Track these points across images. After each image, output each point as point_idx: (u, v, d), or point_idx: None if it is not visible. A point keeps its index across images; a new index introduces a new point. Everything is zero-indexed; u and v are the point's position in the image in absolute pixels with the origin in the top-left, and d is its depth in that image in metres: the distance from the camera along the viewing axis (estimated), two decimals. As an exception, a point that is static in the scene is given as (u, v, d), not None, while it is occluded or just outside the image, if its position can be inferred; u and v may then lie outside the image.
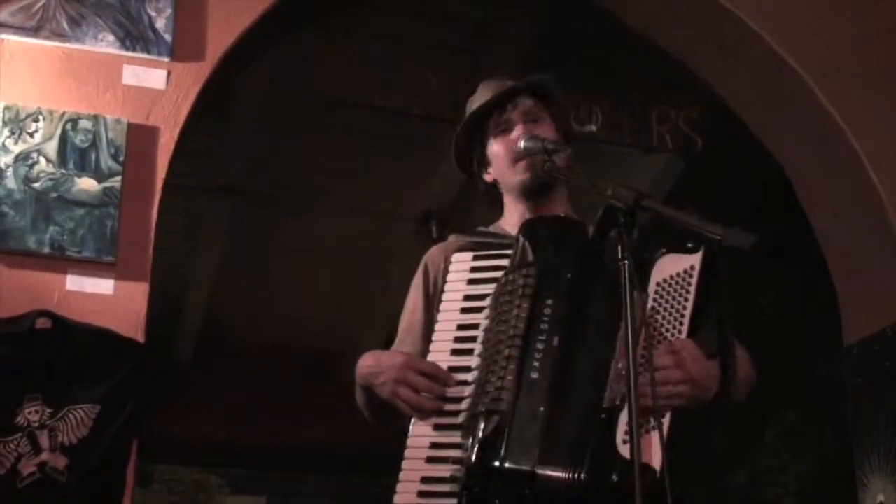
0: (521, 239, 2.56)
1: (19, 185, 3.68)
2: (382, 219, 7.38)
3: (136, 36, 3.90)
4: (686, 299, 2.44)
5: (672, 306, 2.44)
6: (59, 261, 3.67)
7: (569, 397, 2.38)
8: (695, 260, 2.47)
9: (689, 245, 2.48)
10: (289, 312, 8.43)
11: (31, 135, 3.73)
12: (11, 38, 3.82)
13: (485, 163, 2.88)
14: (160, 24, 3.93)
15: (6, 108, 3.74)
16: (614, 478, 2.23)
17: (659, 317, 2.43)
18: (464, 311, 2.56)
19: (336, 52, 5.84)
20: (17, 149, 3.71)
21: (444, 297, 2.62)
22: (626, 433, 2.25)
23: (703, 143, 5.48)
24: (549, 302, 2.46)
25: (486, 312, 2.51)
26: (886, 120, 4.51)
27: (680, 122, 5.48)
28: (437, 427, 2.44)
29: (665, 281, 2.46)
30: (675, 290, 2.45)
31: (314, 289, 8.09)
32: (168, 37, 3.93)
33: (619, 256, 2.30)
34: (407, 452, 2.45)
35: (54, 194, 3.70)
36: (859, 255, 4.61)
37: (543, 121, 2.84)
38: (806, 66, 4.50)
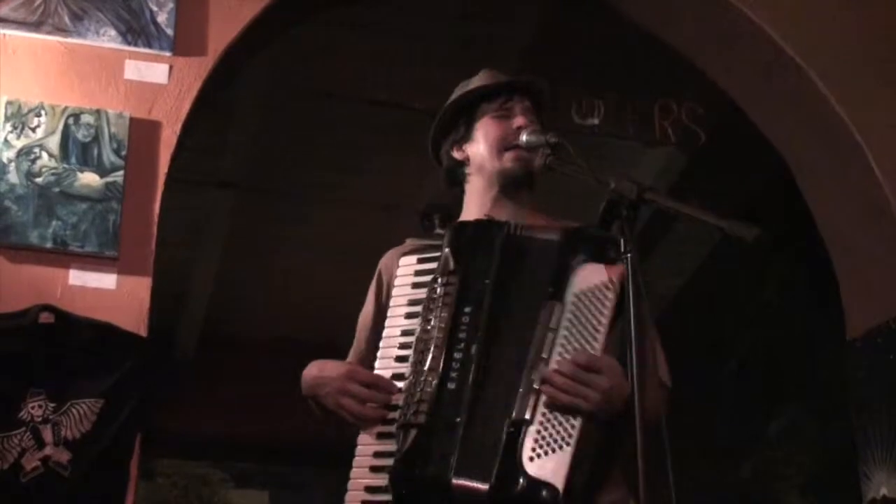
0: (445, 246, 2.58)
1: (22, 180, 3.68)
2: (385, 213, 7.37)
3: (137, 31, 3.90)
4: (602, 314, 2.42)
5: (588, 320, 2.42)
6: (62, 255, 3.67)
7: (482, 407, 2.38)
8: (614, 272, 2.44)
9: (611, 254, 2.45)
10: (292, 306, 8.43)
11: (34, 130, 3.73)
12: (13, 33, 3.82)
13: (464, 139, 2.83)
14: (162, 18, 3.93)
15: (8, 102, 3.74)
16: (516, 491, 2.25)
17: (574, 330, 2.41)
18: (408, 315, 2.57)
19: (338, 46, 5.84)
20: (19, 144, 3.71)
21: (391, 301, 2.64)
22: (532, 449, 2.27)
23: (705, 137, 5.48)
24: (468, 310, 2.48)
25: (417, 323, 2.52)
26: (890, 113, 4.50)
27: (683, 115, 5.48)
28: (379, 436, 2.47)
29: (583, 293, 2.45)
30: (593, 304, 2.43)
31: (317, 283, 8.09)
32: (170, 31, 3.93)
33: (623, 249, 2.30)
34: (354, 462, 2.49)
35: (57, 189, 3.70)
36: (862, 248, 4.61)
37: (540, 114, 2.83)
38: (809, 59, 4.50)
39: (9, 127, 3.72)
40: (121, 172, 3.76)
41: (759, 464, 7.34)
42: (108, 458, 3.55)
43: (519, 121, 2.75)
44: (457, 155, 2.86)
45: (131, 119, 3.82)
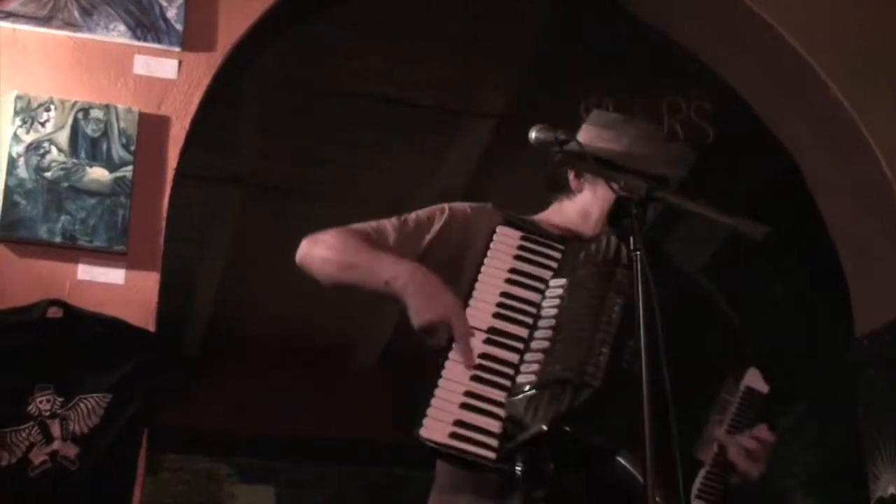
0: (610, 236, 2.59)
1: (31, 175, 3.69)
2: (392, 210, 7.36)
3: (147, 26, 3.91)
4: (756, 416, 2.59)
5: (746, 413, 2.59)
6: (71, 250, 3.68)
7: (658, 404, 2.36)
8: (765, 389, 2.62)
9: (771, 375, 2.63)
10: (298, 303, 8.42)
11: (43, 124, 3.74)
12: (23, 28, 3.83)
13: (582, 175, 2.86)
14: (171, 13, 3.93)
15: (18, 97, 3.74)
16: None
17: (739, 414, 2.58)
18: (510, 282, 2.55)
19: (347, 42, 5.84)
20: (28, 138, 3.72)
21: (488, 262, 2.59)
22: (700, 489, 2.43)
23: (714, 135, 5.47)
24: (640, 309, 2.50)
25: (554, 292, 2.53)
26: (898, 110, 4.51)
27: (692, 112, 5.47)
28: (474, 378, 2.44)
29: (750, 389, 2.61)
30: (751, 403, 2.60)
31: (324, 279, 8.08)
32: (179, 27, 3.93)
33: (632, 247, 2.30)
34: (439, 392, 2.43)
35: (66, 184, 3.71)
36: (870, 245, 4.61)
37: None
38: (818, 56, 4.49)
39: (18, 121, 3.72)
40: (130, 167, 3.77)
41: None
42: (116, 453, 3.55)
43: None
44: (572, 182, 2.87)
45: (140, 114, 3.83)
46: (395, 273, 2.63)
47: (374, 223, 2.88)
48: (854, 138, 4.47)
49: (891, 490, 4.37)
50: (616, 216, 2.42)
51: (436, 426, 2.39)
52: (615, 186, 2.44)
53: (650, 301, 2.26)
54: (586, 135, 2.88)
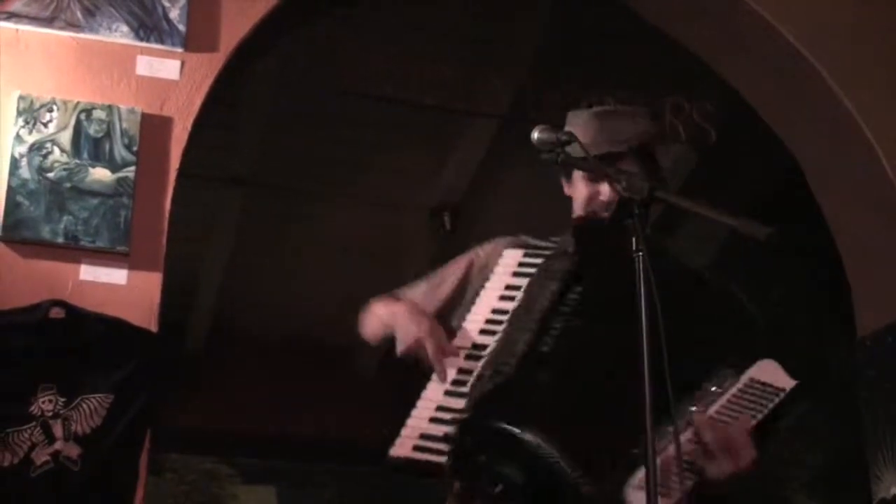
0: (566, 236, 2.72)
1: (33, 175, 3.69)
2: (395, 210, 7.38)
3: (149, 26, 3.91)
4: (762, 411, 2.53)
5: (748, 406, 2.51)
6: (73, 251, 3.68)
7: (581, 382, 2.46)
8: (788, 384, 2.57)
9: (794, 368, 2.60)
10: (300, 303, 8.44)
11: (46, 125, 3.74)
12: (26, 29, 3.83)
13: (567, 178, 2.92)
14: (174, 14, 3.93)
15: (21, 97, 3.74)
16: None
17: (735, 407, 2.50)
18: (501, 298, 2.67)
19: (349, 43, 5.85)
20: (31, 139, 3.72)
21: (488, 283, 2.74)
22: (642, 479, 2.30)
23: (716, 135, 5.47)
24: (578, 289, 2.58)
25: (518, 299, 2.64)
26: (901, 112, 4.50)
27: (694, 113, 5.48)
28: (446, 392, 2.56)
29: (757, 381, 2.53)
30: (759, 396, 2.53)
31: (326, 280, 8.09)
32: (182, 27, 3.93)
33: (634, 248, 2.31)
34: (414, 411, 2.56)
35: (68, 184, 3.71)
36: (873, 247, 4.60)
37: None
38: (821, 58, 4.49)
39: (21, 122, 3.72)
40: (132, 168, 3.77)
41: (766, 463, 7.33)
42: (118, 453, 3.55)
43: (605, 193, 2.79)
44: (565, 188, 2.94)
45: (143, 115, 3.83)
46: (390, 317, 2.84)
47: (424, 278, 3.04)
48: (856, 139, 4.47)
49: (893, 491, 4.36)
50: (618, 215, 2.42)
51: (403, 443, 2.50)
52: (618, 187, 2.44)
53: (652, 301, 2.26)
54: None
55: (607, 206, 2.77)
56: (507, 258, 2.76)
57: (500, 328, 2.59)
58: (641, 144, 2.81)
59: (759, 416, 2.52)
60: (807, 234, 5.11)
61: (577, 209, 2.86)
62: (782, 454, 7.20)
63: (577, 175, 2.86)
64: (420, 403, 2.57)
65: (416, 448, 2.48)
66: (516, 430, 2.37)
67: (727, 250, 6.94)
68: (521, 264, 2.73)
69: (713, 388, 2.50)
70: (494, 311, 2.64)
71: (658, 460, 2.28)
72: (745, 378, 2.52)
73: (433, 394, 2.57)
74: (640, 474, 2.32)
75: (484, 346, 2.58)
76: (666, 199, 2.40)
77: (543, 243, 2.80)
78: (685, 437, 2.40)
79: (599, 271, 2.60)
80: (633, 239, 2.33)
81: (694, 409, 2.44)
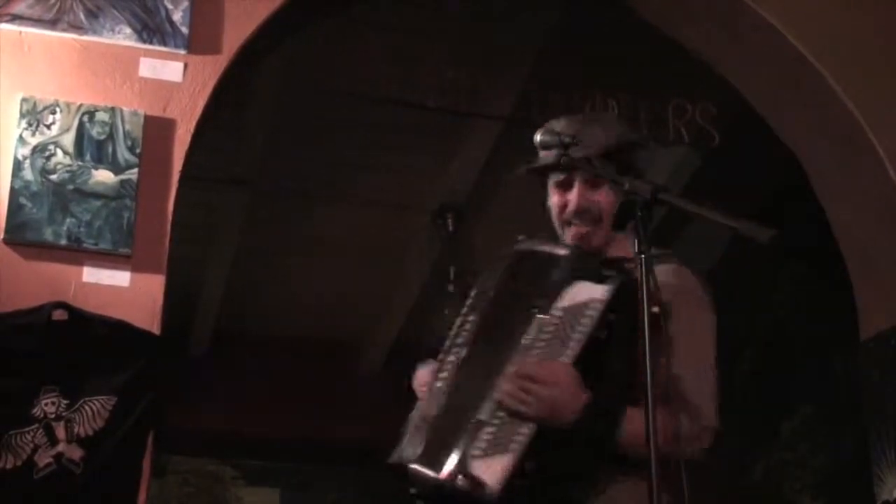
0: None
1: (36, 177, 3.69)
2: (397, 212, 7.37)
3: (153, 28, 3.91)
4: (579, 330, 2.50)
5: (564, 334, 2.50)
6: (76, 253, 3.68)
7: (453, 406, 2.58)
8: (602, 293, 2.51)
9: (605, 274, 2.56)
10: (303, 305, 8.44)
11: (49, 127, 3.74)
12: (29, 31, 3.83)
13: (544, 192, 2.93)
14: (177, 16, 3.94)
15: (24, 99, 3.75)
16: (458, 485, 2.41)
17: (552, 343, 2.51)
18: None
19: (352, 44, 5.84)
20: (34, 141, 3.72)
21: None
22: (481, 448, 2.42)
23: (719, 138, 5.46)
24: (471, 318, 2.70)
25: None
26: (905, 115, 4.50)
27: (696, 115, 5.47)
28: None
29: (568, 308, 2.53)
30: (576, 318, 2.50)
31: (329, 281, 8.09)
32: (185, 29, 3.93)
33: (637, 250, 2.31)
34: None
35: (71, 186, 3.71)
36: (876, 249, 4.60)
37: (600, 185, 2.81)
38: (824, 60, 4.49)
39: (24, 124, 3.72)
40: (135, 170, 3.77)
41: (770, 465, 7.32)
42: (121, 456, 3.55)
43: (573, 201, 2.79)
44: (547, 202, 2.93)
45: (146, 117, 3.83)
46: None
47: None
48: (860, 142, 4.47)
49: (895, 493, 4.37)
50: (621, 218, 2.42)
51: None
52: (621, 190, 2.44)
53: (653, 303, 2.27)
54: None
55: (575, 215, 2.77)
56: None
57: None
58: (617, 148, 2.77)
59: (579, 336, 2.49)
60: (810, 238, 5.10)
61: (557, 224, 2.86)
62: (786, 457, 7.20)
63: (550, 184, 2.86)
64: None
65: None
66: (404, 463, 2.60)
67: (730, 253, 6.95)
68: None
69: (523, 339, 2.55)
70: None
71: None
72: (553, 311, 2.54)
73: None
74: (478, 443, 2.42)
75: None
76: (669, 202, 2.40)
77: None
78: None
79: (486, 297, 2.73)
80: (636, 241, 2.34)
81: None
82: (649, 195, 2.35)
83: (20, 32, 3.82)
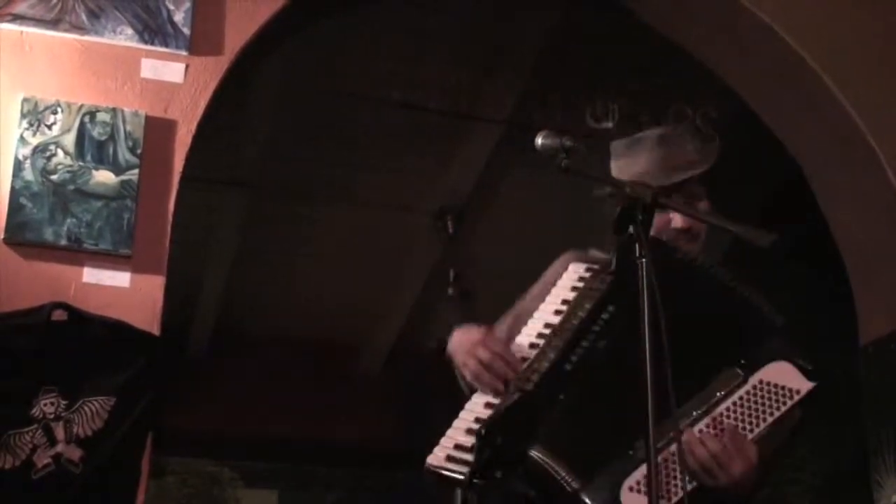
0: (614, 252, 2.67)
1: (37, 178, 3.69)
2: (398, 213, 7.38)
3: (154, 29, 3.91)
4: (772, 413, 2.51)
5: (757, 409, 2.50)
6: (76, 253, 3.68)
7: (594, 399, 2.48)
8: (804, 386, 2.55)
9: (810, 368, 2.57)
10: (303, 306, 8.44)
11: (50, 127, 3.74)
12: (31, 31, 3.83)
13: None
14: (178, 17, 3.94)
15: (25, 100, 3.75)
16: None
17: (743, 409, 2.50)
18: (556, 312, 2.67)
19: (353, 46, 5.85)
20: (35, 141, 3.72)
21: (548, 297, 2.73)
22: (637, 481, 2.33)
23: (719, 141, 5.46)
24: (611, 309, 2.58)
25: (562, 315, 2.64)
26: (905, 119, 4.50)
27: (697, 119, 5.47)
28: (486, 405, 2.57)
29: (768, 384, 2.52)
30: (770, 398, 2.51)
31: (328, 282, 8.09)
32: (186, 30, 3.93)
33: (638, 254, 2.30)
34: (455, 422, 2.57)
35: (72, 187, 3.71)
36: (876, 254, 4.60)
37: (698, 199, 2.81)
38: (823, 62, 4.49)
39: (25, 124, 3.72)
40: (136, 171, 3.77)
41: (774, 473, 7.32)
42: (120, 456, 3.55)
43: (677, 222, 2.78)
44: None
45: (147, 117, 3.83)
46: (451, 347, 2.78)
47: None
48: (860, 145, 4.47)
49: (894, 498, 4.36)
50: (621, 221, 2.41)
51: (438, 453, 2.51)
52: (622, 193, 2.43)
53: (655, 306, 2.26)
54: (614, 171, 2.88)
55: (684, 235, 2.74)
56: (570, 272, 2.74)
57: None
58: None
59: (769, 419, 2.50)
60: (810, 241, 5.10)
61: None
62: (787, 459, 7.20)
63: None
64: (462, 414, 2.58)
65: (449, 458, 2.49)
66: (526, 449, 2.42)
67: (730, 257, 6.94)
68: (580, 279, 2.71)
69: (718, 393, 2.49)
70: (546, 326, 2.64)
71: (658, 460, 2.28)
72: (753, 380, 2.52)
73: (475, 405, 2.58)
74: (635, 475, 2.33)
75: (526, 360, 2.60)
76: (669, 206, 2.40)
77: (606, 257, 2.77)
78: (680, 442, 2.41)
79: (631, 292, 2.50)
80: (637, 245, 2.33)
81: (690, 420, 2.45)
82: (650, 199, 2.35)
83: (21, 32, 3.82)
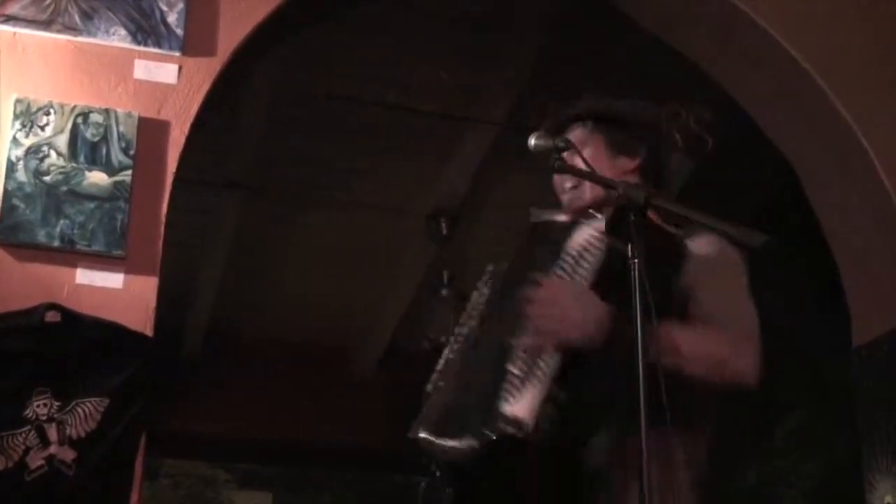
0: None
1: (30, 179, 3.68)
2: (391, 215, 7.37)
3: (147, 30, 3.91)
4: (589, 260, 2.48)
5: (576, 270, 2.49)
6: (69, 254, 3.67)
7: (468, 375, 2.56)
8: (599, 224, 2.51)
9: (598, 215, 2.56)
10: (297, 308, 8.44)
11: (42, 128, 3.73)
12: (24, 32, 3.82)
13: None
14: (172, 18, 3.93)
15: (18, 101, 3.74)
16: (494, 436, 2.34)
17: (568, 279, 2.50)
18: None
19: (348, 48, 5.85)
20: (28, 142, 3.71)
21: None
22: (508, 392, 2.36)
23: (713, 143, 5.47)
24: (485, 291, 2.72)
25: None
26: (898, 121, 4.50)
27: (691, 121, 5.47)
28: None
29: (572, 249, 2.51)
30: (583, 257, 2.50)
31: (322, 285, 8.09)
32: (180, 31, 3.93)
33: (631, 255, 2.30)
34: None
35: (65, 188, 3.70)
36: (869, 257, 4.60)
37: (589, 146, 2.80)
38: (818, 66, 4.50)
39: (17, 125, 3.72)
40: (129, 172, 3.76)
41: (764, 471, 7.33)
42: (113, 458, 3.54)
43: (567, 181, 2.80)
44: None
45: (140, 118, 3.82)
46: None
47: None
48: (853, 149, 4.47)
49: (888, 499, 4.36)
50: (615, 223, 2.42)
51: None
52: (613, 194, 2.44)
53: (647, 307, 2.26)
54: None
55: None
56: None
57: None
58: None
59: (586, 265, 2.48)
60: (803, 244, 5.11)
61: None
62: (780, 462, 7.20)
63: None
64: None
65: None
66: (424, 437, 2.58)
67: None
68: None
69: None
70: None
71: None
72: (565, 257, 2.52)
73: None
74: (506, 391, 2.36)
75: None
76: (662, 206, 2.40)
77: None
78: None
79: (501, 273, 2.76)
80: (629, 246, 2.33)
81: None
82: (642, 200, 2.35)
83: (14, 33, 3.82)
